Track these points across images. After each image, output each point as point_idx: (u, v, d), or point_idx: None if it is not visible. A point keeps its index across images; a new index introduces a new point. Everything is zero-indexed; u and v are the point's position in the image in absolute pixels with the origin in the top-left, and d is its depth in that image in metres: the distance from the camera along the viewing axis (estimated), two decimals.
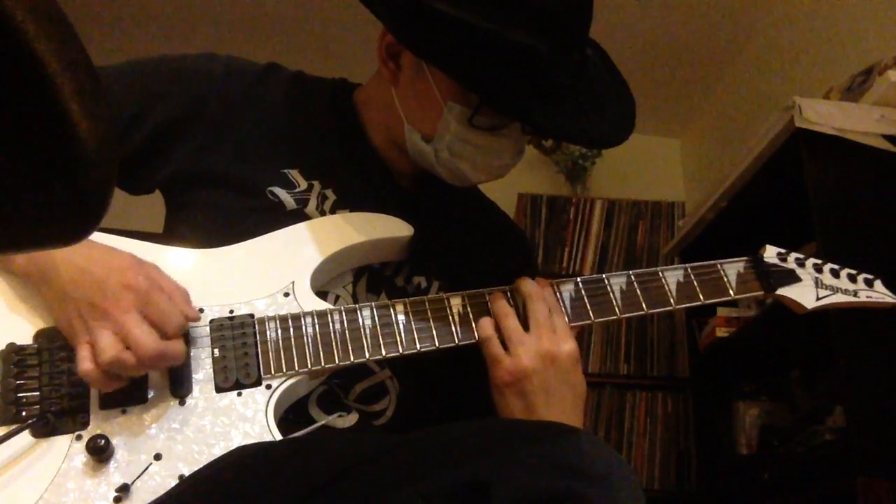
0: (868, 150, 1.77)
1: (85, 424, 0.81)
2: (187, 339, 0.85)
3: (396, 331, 0.90)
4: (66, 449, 0.79)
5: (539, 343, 0.89)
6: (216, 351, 0.86)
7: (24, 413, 0.80)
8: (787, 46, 2.71)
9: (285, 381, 0.86)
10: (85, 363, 0.77)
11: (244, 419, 0.83)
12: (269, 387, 0.86)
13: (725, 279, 1.01)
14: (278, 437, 0.83)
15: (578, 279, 0.98)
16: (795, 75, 2.64)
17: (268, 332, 0.88)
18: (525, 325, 0.91)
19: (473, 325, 0.93)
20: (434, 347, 0.91)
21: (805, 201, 1.76)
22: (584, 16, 0.93)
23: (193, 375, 0.85)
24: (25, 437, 0.79)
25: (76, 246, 0.81)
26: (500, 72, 0.89)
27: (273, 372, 0.86)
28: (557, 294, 0.96)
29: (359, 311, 0.91)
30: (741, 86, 3.05)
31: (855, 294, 1.05)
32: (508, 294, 0.95)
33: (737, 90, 3.09)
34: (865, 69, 1.93)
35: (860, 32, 2.29)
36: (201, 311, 0.89)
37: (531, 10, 0.87)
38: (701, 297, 0.99)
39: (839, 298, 1.04)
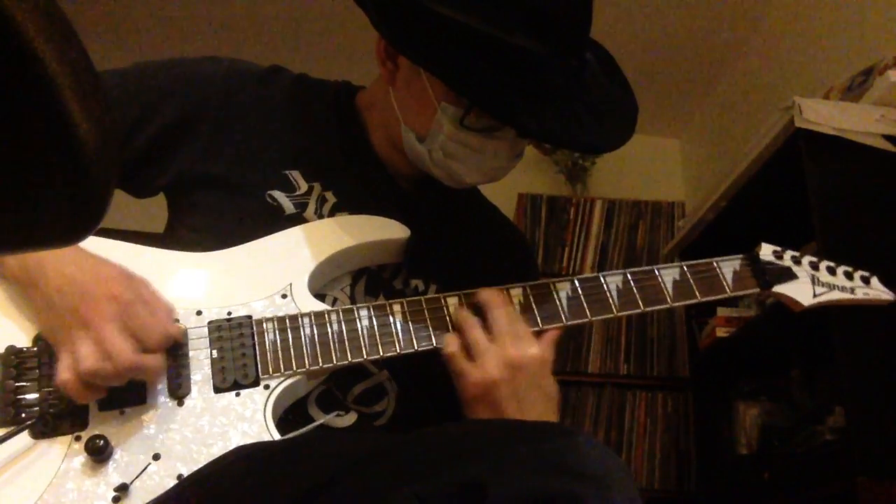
0: (868, 150, 1.76)
1: (84, 425, 0.81)
2: (180, 349, 0.85)
3: (394, 331, 0.91)
4: (65, 449, 0.79)
5: (504, 351, 0.88)
6: (214, 352, 0.86)
7: (23, 414, 0.80)
8: (787, 46, 2.71)
9: (283, 381, 0.87)
10: (64, 373, 0.77)
11: (242, 419, 0.84)
12: (267, 387, 0.86)
13: (721, 277, 1.01)
14: (277, 436, 0.83)
15: (575, 279, 0.98)
16: (795, 75, 2.63)
17: (266, 334, 0.88)
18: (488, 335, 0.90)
19: None
20: (431, 347, 0.91)
21: (805, 201, 1.76)
22: (582, 19, 0.91)
23: (192, 376, 0.85)
24: (25, 437, 0.79)
25: (69, 253, 0.81)
26: (490, 74, 0.88)
27: (271, 372, 0.86)
28: (554, 294, 0.96)
29: (356, 312, 0.91)
30: (741, 86, 3.05)
31: (852, 291, 1.05)
32: (463, 300, 0.94)
33: (737, 90, 3.09)
34: (865, 69, 1.93)
35: (860, 32, 2.29)
36: (199, 312, 0.89)
37: (528, 12, 0.86)
38: (697, 294, 0.99)
39: (836, 295, 1.04)
